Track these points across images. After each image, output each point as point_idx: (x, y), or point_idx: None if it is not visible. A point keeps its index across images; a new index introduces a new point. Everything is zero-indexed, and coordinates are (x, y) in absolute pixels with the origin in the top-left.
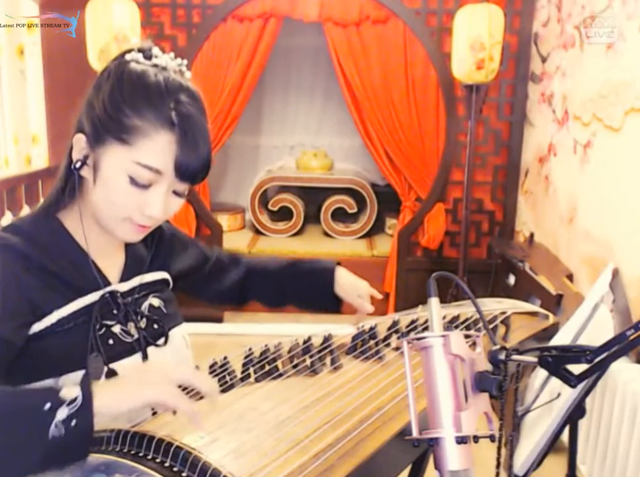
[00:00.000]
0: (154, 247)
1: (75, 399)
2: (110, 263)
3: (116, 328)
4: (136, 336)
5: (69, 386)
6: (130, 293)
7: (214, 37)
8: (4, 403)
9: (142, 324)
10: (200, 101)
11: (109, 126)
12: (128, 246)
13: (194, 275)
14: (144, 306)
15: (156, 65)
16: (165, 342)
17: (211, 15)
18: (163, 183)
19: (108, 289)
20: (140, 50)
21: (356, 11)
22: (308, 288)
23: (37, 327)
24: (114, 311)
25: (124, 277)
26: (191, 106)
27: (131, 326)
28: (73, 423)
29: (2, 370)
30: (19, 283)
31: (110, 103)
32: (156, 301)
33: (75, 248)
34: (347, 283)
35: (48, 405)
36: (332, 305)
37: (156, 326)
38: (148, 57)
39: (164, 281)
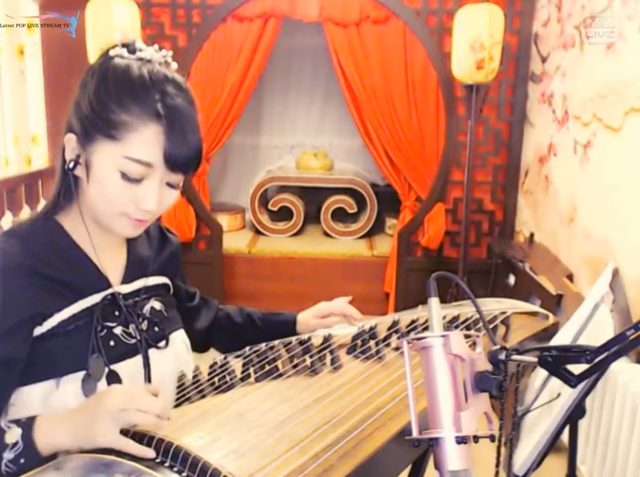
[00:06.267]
0: (157, 249)
1: (16, 443)
2: (112, 263)
3: (118, 330)
4: (137, 338)
5: (14, 429)
6: (133, 295)
7: (214, 37)
8: None
9: (144, 326)
10: (187, 91)
11: (97, 124)
12: (130, 246)
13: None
14: (146, 308)
15: (140, 59)
16: (166, 344)
17: (211, 15)
18: (155, 175)
19: (110, 290)
20: (124, 45)
21: (356, 11)
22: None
23: (38, 330)
24: (116, 313)
25: (126, 279)
26: (178, 97)
27: (132, 328)
28: (22, 461)
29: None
30: (16, 296)
31: (97, 101)
32: (157, 304)
33: (75, 250)
34: (308, 318)
35: None
36: None
37: (156, 328)
38: (132, 51)
39: (165, 286)
